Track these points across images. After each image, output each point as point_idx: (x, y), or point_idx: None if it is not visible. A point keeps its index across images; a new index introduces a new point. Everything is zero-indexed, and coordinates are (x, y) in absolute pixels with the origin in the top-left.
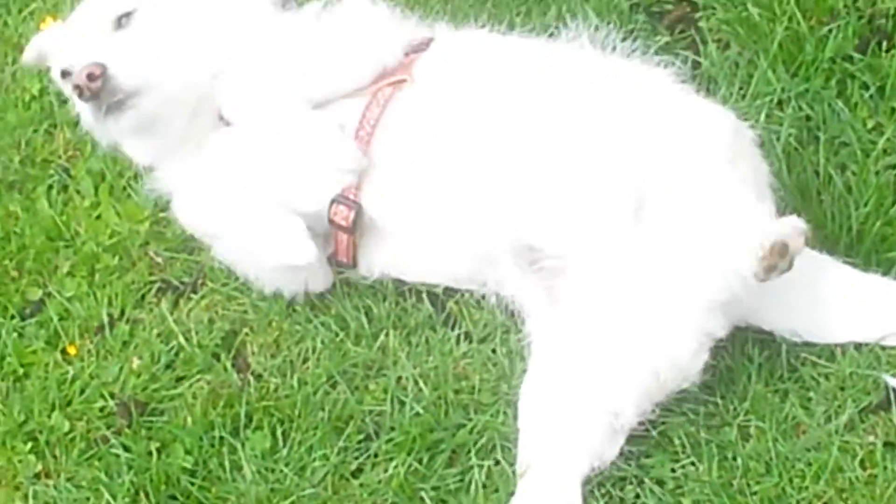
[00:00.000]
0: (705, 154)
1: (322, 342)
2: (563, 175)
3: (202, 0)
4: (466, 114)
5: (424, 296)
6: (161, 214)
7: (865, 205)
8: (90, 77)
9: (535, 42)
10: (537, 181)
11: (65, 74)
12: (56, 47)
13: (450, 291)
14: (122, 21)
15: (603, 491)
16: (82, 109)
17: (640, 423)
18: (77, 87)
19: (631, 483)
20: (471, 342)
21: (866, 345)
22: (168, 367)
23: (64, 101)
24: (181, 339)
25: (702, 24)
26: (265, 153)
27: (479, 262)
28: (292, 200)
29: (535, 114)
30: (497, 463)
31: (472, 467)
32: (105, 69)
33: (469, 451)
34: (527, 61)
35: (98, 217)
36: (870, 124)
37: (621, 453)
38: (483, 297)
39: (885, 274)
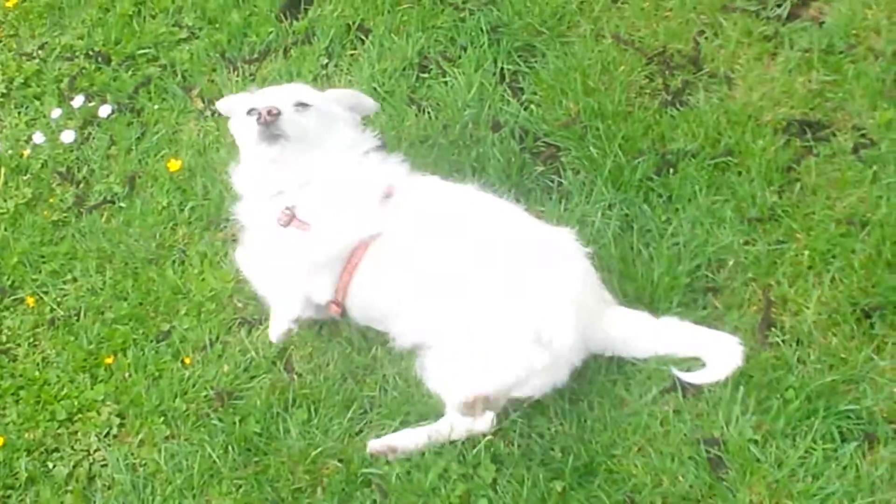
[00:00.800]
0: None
1: (337, 353)
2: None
3: (337, 124)
4: (412, 247)
5: None
6: (241, 278)
7: (661, 267)
8: (270, 112)
9: (463, 190)
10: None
11: (251, 111)
12: (241, 105)
13: None
14: (300, 106)
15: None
16: (248, 128)
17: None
18: (259, 114)
19: (521, 436)
20: None
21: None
22: (245, 370)
23: (182, 209)
24: (253, 353)
25: (563, 158)
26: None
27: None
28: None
29: (456, 248)
30: None
31: None
32: (281, 112)
33: (428, 419)
34: (456, 208)
35: (202, 279)
36: (663, 218)
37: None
38: None
39: (670, 310)
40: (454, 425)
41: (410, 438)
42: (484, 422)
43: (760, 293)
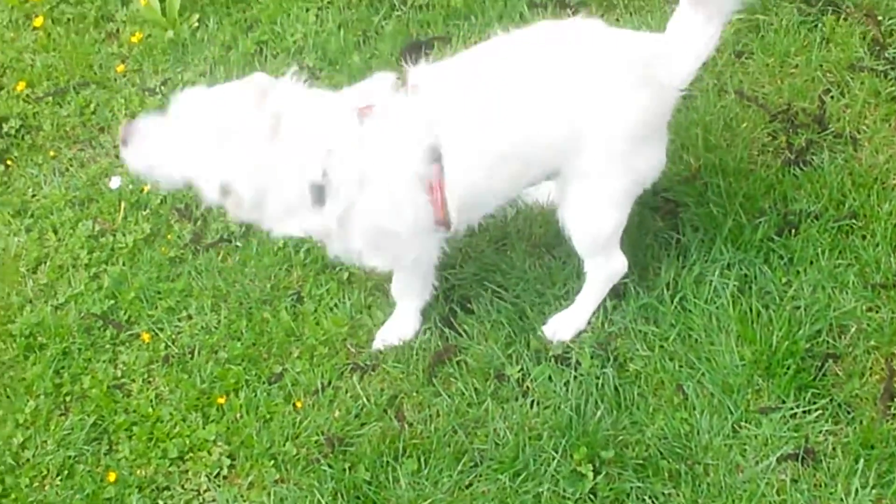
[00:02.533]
0: None
1: (448, 405)
2: None
3: None
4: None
5: (510, 379)
6: (356, 318)
7: (780, 330)
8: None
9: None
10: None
11: None
12: None
13: (525, 374)
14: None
15: (630, 497)
16: None
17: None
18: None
19: (635, 499)
20: (538, 407)
21: (783, 415)
22: (356, 416)
23: (297, 250)
24: (364, 400)
25: (682, 214)
26: None
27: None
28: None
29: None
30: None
31: (541, 486)
32: None
33: (538, 477)
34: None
35: (316, 322)
36: (784, 280)
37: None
38: (549, 376)
39: (786, 374)
40: (598, 281)
41: (577, 318)
42: (619, 261)
43: (883, 362)
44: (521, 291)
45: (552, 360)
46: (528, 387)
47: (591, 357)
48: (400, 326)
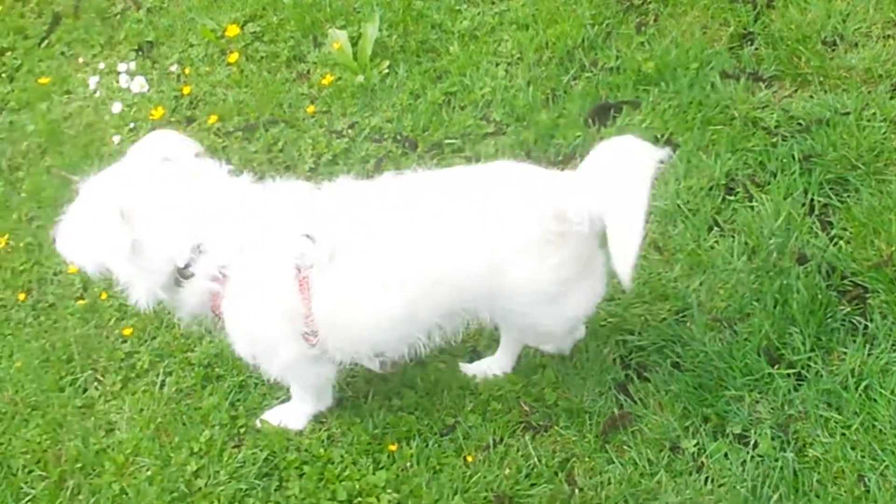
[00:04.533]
0: None
1: (620, 474)
2: None
3: None
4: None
5: (685, 452)
6: (531, 377)
7: None
8: None
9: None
10: None
11: None
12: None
13: (700, 449)
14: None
15: None
16: None
17: None
18: None
19: None
20: (712, 484)
21: None
22: (526, 476)
23: None
24: (535, 460)
25: (871, 301)
26: None
27: None
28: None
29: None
30: None
31: None
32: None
33: None
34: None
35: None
36: None
37: None
38: (726, 454)
39: None
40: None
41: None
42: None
43: None
44: (699, 364)
45: (730, 437)
46: (702, 462)
47: (772, 438)
48: (287, 417)
